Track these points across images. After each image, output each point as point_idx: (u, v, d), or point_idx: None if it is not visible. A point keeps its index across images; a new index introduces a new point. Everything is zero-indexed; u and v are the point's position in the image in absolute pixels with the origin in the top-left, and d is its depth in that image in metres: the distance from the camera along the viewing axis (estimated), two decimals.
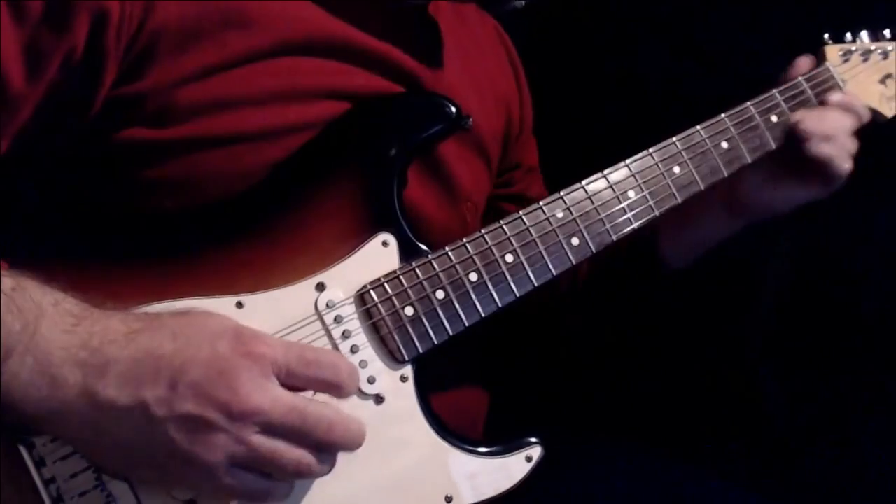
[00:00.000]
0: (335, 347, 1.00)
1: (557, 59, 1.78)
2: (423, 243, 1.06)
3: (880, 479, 1.63)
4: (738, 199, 1.33)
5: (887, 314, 1.66)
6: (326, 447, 0.91)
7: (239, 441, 0.86)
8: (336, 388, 0.93)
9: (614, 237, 1.16)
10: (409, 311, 1.03)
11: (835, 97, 1.32)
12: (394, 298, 1.03)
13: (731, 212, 1.34)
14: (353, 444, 0.93)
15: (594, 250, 1.14)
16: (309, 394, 0.92)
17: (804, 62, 1.36)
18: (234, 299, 0.97)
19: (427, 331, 1.04)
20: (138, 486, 0.91)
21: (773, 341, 1.74)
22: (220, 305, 0.96)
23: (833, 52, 1.40)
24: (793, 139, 1.27)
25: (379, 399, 1.02)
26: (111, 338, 0.86)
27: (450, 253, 1.06)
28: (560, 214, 1.12)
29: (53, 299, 0.87)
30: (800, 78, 1.34)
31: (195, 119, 0.98)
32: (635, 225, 1.17)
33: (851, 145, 1.30)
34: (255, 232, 1.00)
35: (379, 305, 1.02)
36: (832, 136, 1.27)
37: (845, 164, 1.28)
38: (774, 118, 1.29)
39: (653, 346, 1.75)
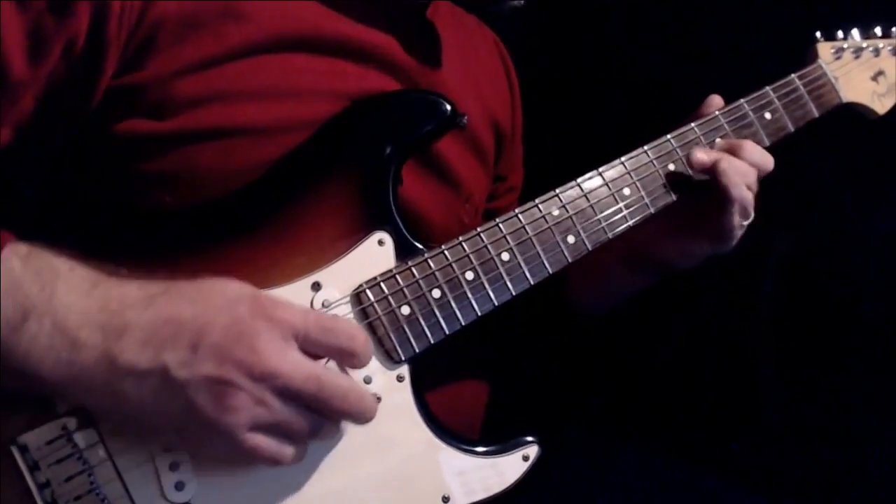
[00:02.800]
0: None
1: (556, 58, 1.78)
2: (422, 242, 1.05)
3: (880, 479, 1.63)
4: (634, 253, 1.28)
5: (887, 314, 1.66)
6: (340, 416, 0.92)
7: (259, 402, 0.86)
8: (351, 357, 0.93)
9: (610, 235, 1.16)
10: (405, 310, 1.03)
11: (747, 146, 1.21)
12: (390, 298, 1.02)
13: (631, 265, 1.30)
14: (365, 416, 0.93)
15: (590, 248, 1.14)
16: (322, 361, 0.93)
17: (716, 100, 1.28)
18: None
19: (423, 330, 1.03)
20: (133, 488, 0.91)
21: (774, 341, 1.74)
22: None
23: (825, 49, 1.40)
24: (714, 182, 1.17)
25: (376, 399, 1.01)
26: (129, 302, 0.86)
27: (446, 252, 1.05)
28: (556, 212, 1.12)
29: (69, 264, 0.87)
30: (793, 76, 1.34)
31: (193, 111, 0.98)
32: (630, 222, 1.17)
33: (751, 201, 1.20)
34: (250, 231, 1.00)
35: (375, 305, 1.01)
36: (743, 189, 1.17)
37: (745, 221, 1.20)
38: (768, 115, 1.29)
39: (653, 346, 1.74)
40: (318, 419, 0.91)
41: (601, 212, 1.15)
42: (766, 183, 1.23)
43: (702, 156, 1.17)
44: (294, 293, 0.99)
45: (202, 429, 0.86)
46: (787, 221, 1.35)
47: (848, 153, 1.63)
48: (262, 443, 0.88)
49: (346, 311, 1.01)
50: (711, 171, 1.16)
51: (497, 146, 1.35)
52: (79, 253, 0.89)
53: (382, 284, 1.02)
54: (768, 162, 1.21)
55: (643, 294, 1.35)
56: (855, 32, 1.43)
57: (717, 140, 1.23)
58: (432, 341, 1.03)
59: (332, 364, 0.95)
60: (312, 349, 0.91)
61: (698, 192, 1.19)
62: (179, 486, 0.92)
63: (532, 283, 1.10)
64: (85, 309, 0.85)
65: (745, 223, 1.20)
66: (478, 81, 1.30)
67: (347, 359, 0.93)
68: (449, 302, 1.04)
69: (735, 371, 1.74)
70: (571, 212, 1.13)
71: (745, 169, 1.17)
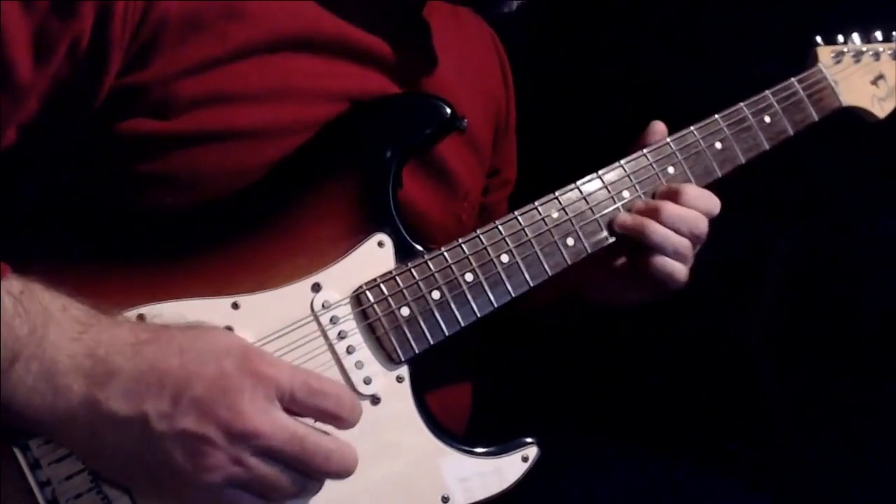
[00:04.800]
0: (331, 348, 1.00)
1: (555, 58, 1.78)
2: (421, 242, 1.06)
3: (880, 479, 1.63)
4: (565, 295, 1.28)
5: (888, 314, 1.66)
6: (321, 476, 0.91)
7: (236, 461, 0.85)
8: (337, 421, 0.92)
9: (612, 239, 1.16)
10: (405, 311, 1.03)
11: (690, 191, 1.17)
12: (390, 299, 1.03)
13: (561, 306, 1.29)
14: (346, 474, 0.92)
15: (589, 251, 1.15)
16: (309, 420, 0.92)
17: (660, 127, 1.24)
18: (229, 300, 0.97)
19: (423, 331, 1.03)
20: (137, 493, 0.91)
21: (774, 341, 1.74)
22: (216, 306, 0.96)
23: (825, 53, 1.40)
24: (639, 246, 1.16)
25: (375, 400, 1.02)
26: (117, 348, 0.86)
27: (445, 253, 1.06)
28: (555, 215, 1.13)
29: (61, 304, 0.87)
30: (793, 79, 1.34)
31: (195, 112, 0.99)
32: None
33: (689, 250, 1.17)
34: (251, 233, 1.00)
35: (375, 306, 1.02)
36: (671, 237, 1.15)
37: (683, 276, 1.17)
38: (768, 119, 1.29)
39: (653, 346, 1.75)
40: (297, 481, 0.90)
41: (600, 214, 1.15)
42: (769, 182, 1.23)
43: (624, 219, 1.15)
44: (294, 294, 1.00)
45: (179, 482, 0.86)
46: (789, 221, 1.35)
47: (850, 153, 1.63)
48: (237, 501, 0.87)
49: (346, 311, 1.01)
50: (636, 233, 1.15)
51: (494, 135, 1.36)
52: (64, 282, 0.89)
53: (382, 286, 1.03)
54: (712, 205, 1.18)
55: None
56: (855, 36, 1.44)
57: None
58: (432, 342, 1.04)
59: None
60: (298, 409, 0.90)
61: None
62: None
63: (531, 285, 1.10)
64: (73, 353, 0.85)
65: (685, 268, 1.17)
66: (475, 76, 1.30)
67: (334, 422, 0.92)
68: (448, 303, 1.05)
69: (735, 371, 1.74)
70: (571, 214, 1.14)
71: (679, 216, 1.15)
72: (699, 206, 1.17)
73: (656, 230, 1.14)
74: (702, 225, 1.17)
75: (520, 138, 1.47)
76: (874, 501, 1.63)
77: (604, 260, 1.21)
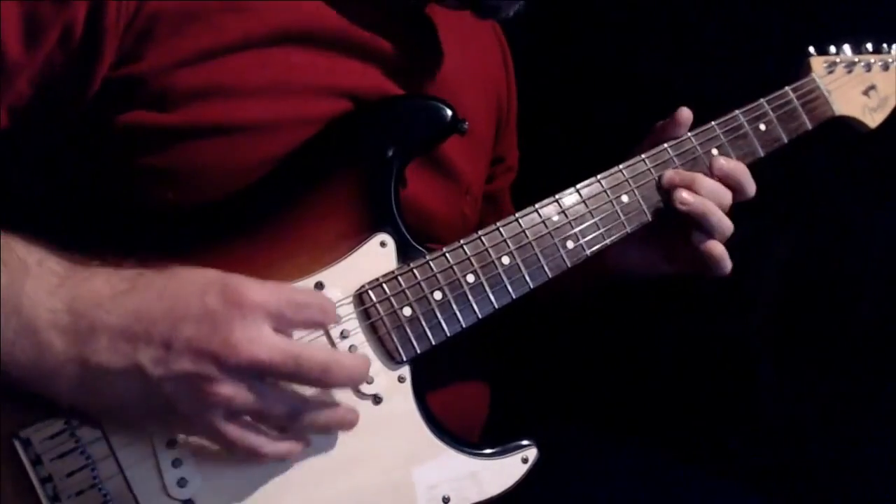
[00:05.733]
0: (333, 347, 1.00)
1: (555, 59, 1.79)
2: (425, 238, 1.06)
3: (880, 479, 1.63)
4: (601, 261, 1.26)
5: (886, 314, 1.68)
6: (325, 387, 0.93)
7: (237, 392, 0.87)
8: (323, 327, 0.95)
9: (608, 241, 1.17)
10: (407, 311, 1.03)
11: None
12: (392, 299, 1.03)
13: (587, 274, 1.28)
14: (351, 383, 0.94)
15: (588, 254, 1.15)
16: (300, 335, 0.95)
17: (685, 114, 1.26)
18: None
19: (425, 331, 1.04)
20: (135, 484, 0.91)
21: (773, 341, 1.75)
22: None
23: (818, 63, 1.42)
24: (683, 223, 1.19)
25: (377, 399, 1.02)
26: (96, 300, 0.86)
27: (447, 254, 1.06)
28: (555, 217, 1.14)
29: (38, 258, 0.87)
30: (787, 88, 1.36)
31: (194, 104, 0.99)
32: (629, 229, 1.19)
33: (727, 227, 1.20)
34: (253, 231, 1.01)
35: (377, 306, 1.02)
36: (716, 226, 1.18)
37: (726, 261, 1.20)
38: (763, 126, 1.31)
39: (653, 346, 1.75)
40: (297, 402, 0.92)
41: (599, 217, 1.16)
42: (769, 183, 1.24)
43: (687, 198, 1.18)
44: None
45: (183, 419, 0.88)
46: (787, 221, 1.36)
47: (848, 154, 1.65)
48: (242, 432, 0.89)
49: (348, 311, 1.02)
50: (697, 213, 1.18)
51: (497, 125, 1.37)
52: (50, 242, 0.89)
53: (385, 285, 1.03)
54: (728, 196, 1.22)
55: (643, 294, 1.36)
56: (846, 48, 1.46)
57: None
58: (433, 342, 1.04)
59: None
60: (287, 327, 0.91)
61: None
62: (182, 483, 0.92)
63: (532, 286, 1.11)
64: (52, 308, 0.85)
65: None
66: (477, 67, 1.31)
67: (321, 329, 0.95)
68: (450, 304, 1.05)
69: (735, 370, 1.75)
70: (570, 217, 1.14)
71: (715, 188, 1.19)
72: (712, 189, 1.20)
73: (718, 215, 1.17)
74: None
75: (520, 138, 1.47)
76: (874, 501, 1.64)
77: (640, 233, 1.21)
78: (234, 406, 0.87)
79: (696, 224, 1.19)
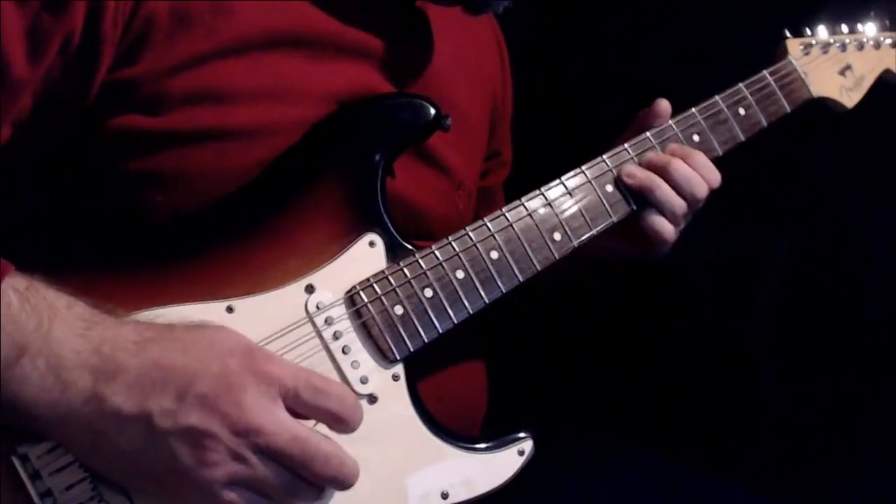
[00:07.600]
0: (327, 348, 1.01)
1: (555, 58, 1.79)
2: (418, 235, 1.06)
3: (880, 479, 1.64)
4: None
5: (887, 314, 1.68)
6: (320, 481, 0.91)
7: (238, 458, 0.86)
8: (339, 422, 0.93)
9: (595, 231, 1.18)
10: (398, 310, 1.04)
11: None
12: (383, 298, 1.03)
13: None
14: (345, 483, 0.92)
15: (575, 244, 1.16)
16: (309, 422, 0.92)
17: (664, 105, 1.27)
18: (224, 304, 0.97)
19: (417, 329, 1.04)
20: (136, 497, 0.91)
21: (774, 341, 1.76)
22: (211, 310, 0.96)
23: (794, 45, 1.43)
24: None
25: (372, 399, 1.02)
26: (122, 345, 0.86)
27: (436, 251, 1.07)
28: (542, 210, 1.14)
29: (66, 301, 0.87)
30: (764, 72, 1.37)
31: (186, 109, 0.99)
32: (614, 219, 1.19)
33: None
34: (242, 236, 1.01)
35: (368, 305, 1.03)
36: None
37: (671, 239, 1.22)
38: (742, 111, 1.32)
39: (653, 346, 1.76)
40: (297, 482, 0.90)
41: (585, 208, 1.17)
42: (768, 183, 1.25)
43: (634, 171, 1.20)
44: (288, 296, 1.00)
45: (180, 479, 0.86)
46: (788, 221, 1.37)
47: (849, 153, 1.65)
48: (237, 499, 0.87)
49: (340, 312, 1.02)
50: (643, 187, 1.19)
51: (492, 119, 1.37)
52: (78, 289, 0.89)
53: (375, 285, 1.03)
54: (716, 178, 1.23)
55: (643, 294, 1.36)
56: (822, 28, 1.47)
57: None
58: (426, 340, 1.05)
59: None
60: (301, 409, 0.90)
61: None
62: None
63: (521, 280, 1.11)
64: (79, 349, 0.85)
65: (675, 231, 1.22)
66: (471, 61, 1.31)
67: (336, 422, 0.93)
68: (441, 301, 1.06)
69: (735, 371, 1.75)
70: (556, 209, 1.15)
71: (687, 176, 1.20)
72: (705, 174, 1.22)
73: (663, 189, 1.18)
74: (702, 191, 1.21)
75: (516, 137, 1.48)
76: (874, 501, 1.65)
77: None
78: (233, 471, 0.86)
79: (646, 200, 1.20)
